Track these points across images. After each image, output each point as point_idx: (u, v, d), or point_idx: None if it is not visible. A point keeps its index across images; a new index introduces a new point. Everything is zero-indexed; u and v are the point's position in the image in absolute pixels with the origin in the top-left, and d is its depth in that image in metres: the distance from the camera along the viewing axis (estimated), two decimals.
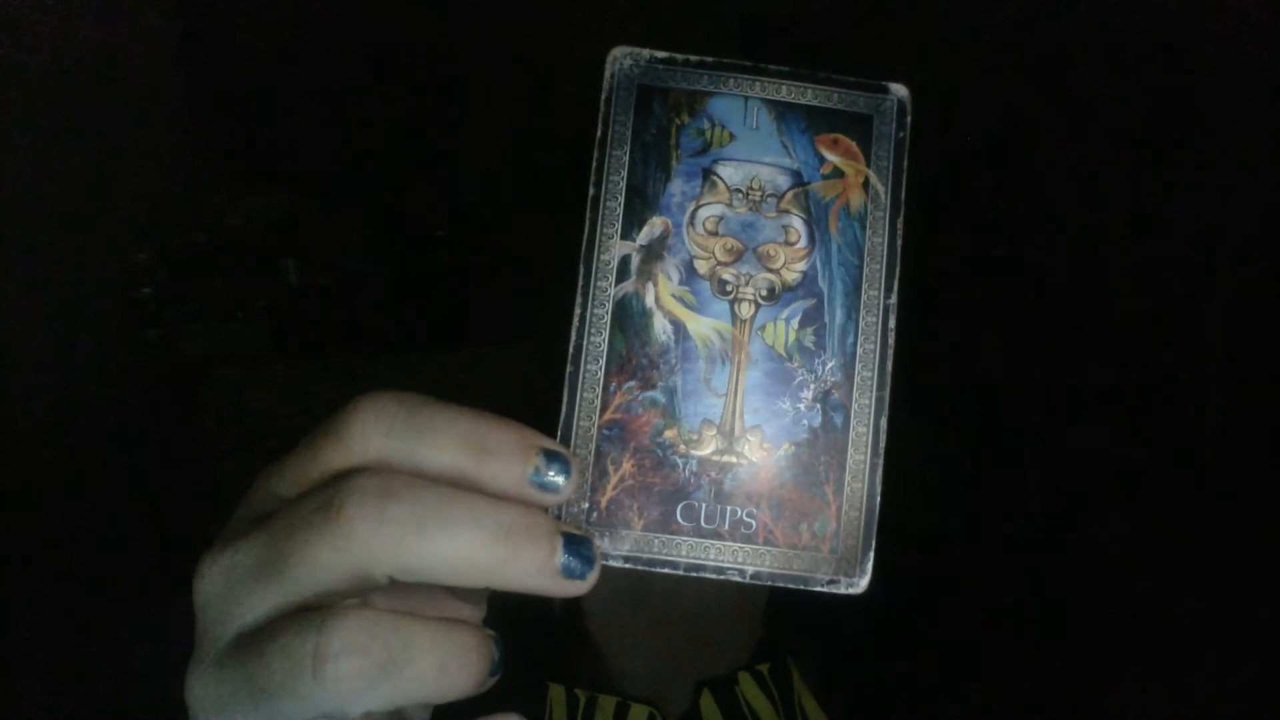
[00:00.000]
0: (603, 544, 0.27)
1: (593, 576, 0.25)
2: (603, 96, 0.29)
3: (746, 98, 0.30)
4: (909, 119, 0.31)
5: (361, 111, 1.08)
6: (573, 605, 0.50)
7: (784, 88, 0.30)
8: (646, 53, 0.29)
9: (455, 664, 0.23)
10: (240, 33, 1.06)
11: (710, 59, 0.30)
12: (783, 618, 0.51)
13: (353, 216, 1.17)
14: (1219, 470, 0.77)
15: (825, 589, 0.28)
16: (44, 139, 0.93)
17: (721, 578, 0.28)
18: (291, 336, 1.17)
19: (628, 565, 0.27)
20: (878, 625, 0.48)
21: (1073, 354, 0.82)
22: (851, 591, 0.28)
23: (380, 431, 0.24)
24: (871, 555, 0.28)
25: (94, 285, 1.02)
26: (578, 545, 0.25)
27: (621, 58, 0.29)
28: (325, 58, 1.05)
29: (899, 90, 0.31)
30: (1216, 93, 0.81)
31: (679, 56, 0.30)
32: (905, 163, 0.30)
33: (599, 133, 0.29)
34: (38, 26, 0.92)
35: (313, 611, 0.23)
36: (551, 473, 0.25)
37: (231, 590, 0.24)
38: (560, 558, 0.24)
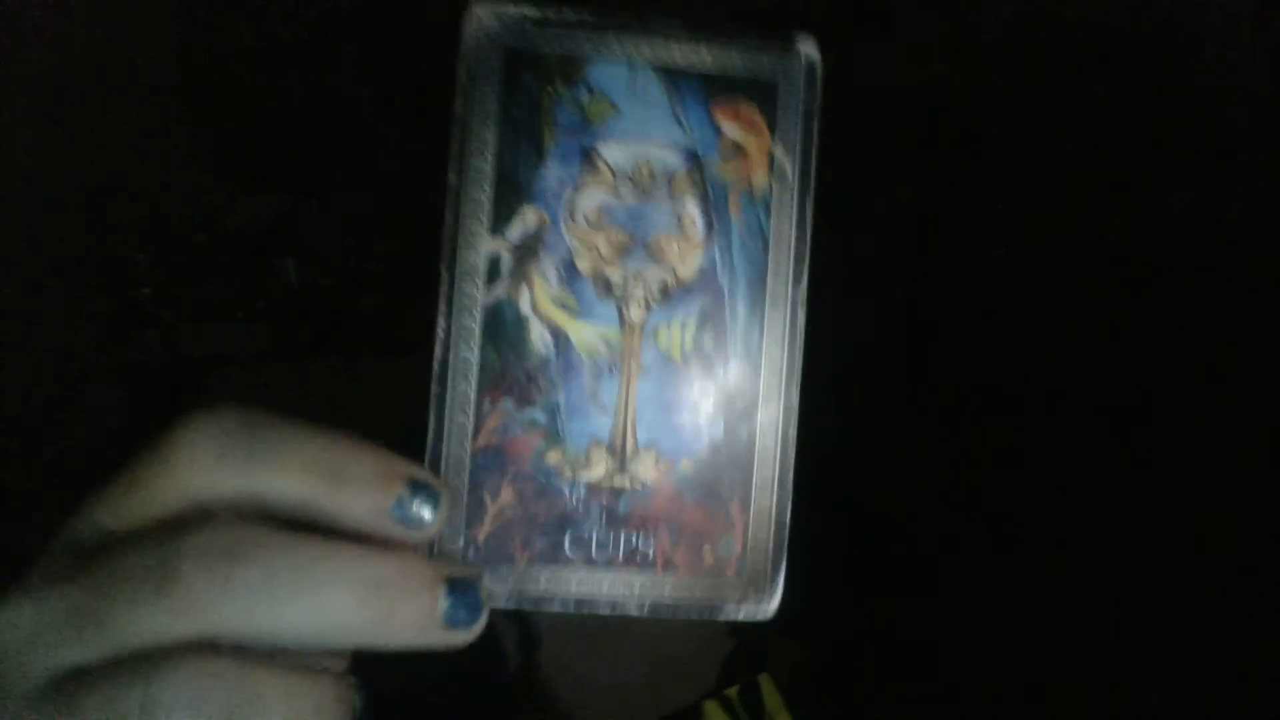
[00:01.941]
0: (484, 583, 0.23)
1: (480, 624, 0.22)
2: (460, 65, 0.25)
3: (632, 62, 0.25)
4: (819, 83, 0.26)
5: (362, 111, 1.08)
6: (525, 646, 0.46)
7: (675, 49, 0.25)
8: (512, 8, 0.25)
9: None
10: (240, 33, 1.06)
11: (589, 15, 0.25)
12: (750, 631, 0.49)
13: (353, 216, 1.17)
14: (1219, 470, 0.77)
15: (732, 618, 0.25)
16: (44, 139, 0.93)
17: (615, 613, 0.25)
18: (291, 336, 1.17)
19: (511, 605, 0.24)
20: (861, 629, 0.47)
21: (1073, 354, 0.82)
22: (760, 618, 0.25)
23: (211, 454, 0.21)
24: (781, 574, 0.25)
25: (94, 285, 1.02)
26: (462, 591, 0.22)
27: (482, 16, 0.25)
28: (325, 58, 1.05)
29: (808, 49, 0.26)
30: (1216, 93, 0.81)
31: (550, 12, 0.25)
32: (816, 135, 0.26)
33: (457, 109, 0.25)
34: (38, 26, 0.92)
35: (142, 658, 0.19)
36: (416, 505, 0.22)
37: (39, 638, 0.20)
38: (443, 606, 0.21)
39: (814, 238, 0.26)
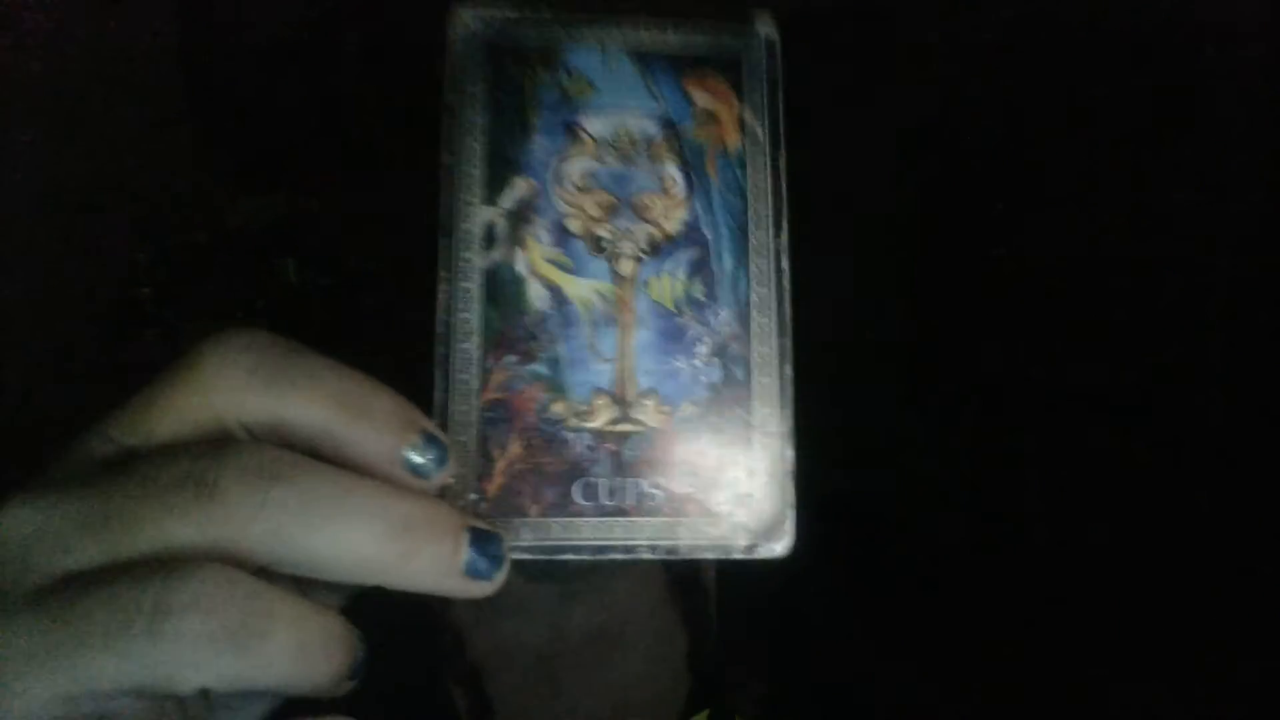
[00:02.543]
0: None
1: (500, 576, 0.22)
2: (447, 61, 0.27)
3: (605, 46, 0.28)
4: (779, 54, 0.29)
5: (362, 111, 1.08)
6: (476, 695, 0.44)
7: (644, 33, 0.28)
8: (491, 8, 0.28)
9: (316, 650, 0.20)
10: (240, 32, 1.06)
11: (562, 9, 0.28)
12: (714, 666, 0.47)
13: (353, 216, 1.17)
14: (1219, 470, 0.77)
15: (745, 555, 0.26)
16: (44, 139, 0.93)
17: (631, 558, 0.25)
18: (291, 336, 1.17)
19: (528, 556, 0.25)
20: (859, 629, 0.47)
21: (1073, 354, 0.82)
22: (773, 555, 0.26)
23: (240, 373, 0.21)
24: (792, 514, 0.26)
25: (94, 285, 1.02)
26: (485, 542, 0.22)
27: (464, 16, 0.27)
28: (325, 58, 1.05)
29: (765, 27, 0.29)
30: (1216, 93, 0.81)
31: (527, 9, 0.28)
32: (780, 98, 0.29)
33: (446, 97, 0.27)
34: (38, 26, 0.92)
35: (157, 562, 0.19)
36: (426, 455, 0.22)
37: (48, 537, 0.20)
38: (465, 555, 0.22)
39: (789, 191, 0.28)
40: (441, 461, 0.23)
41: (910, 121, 0.82)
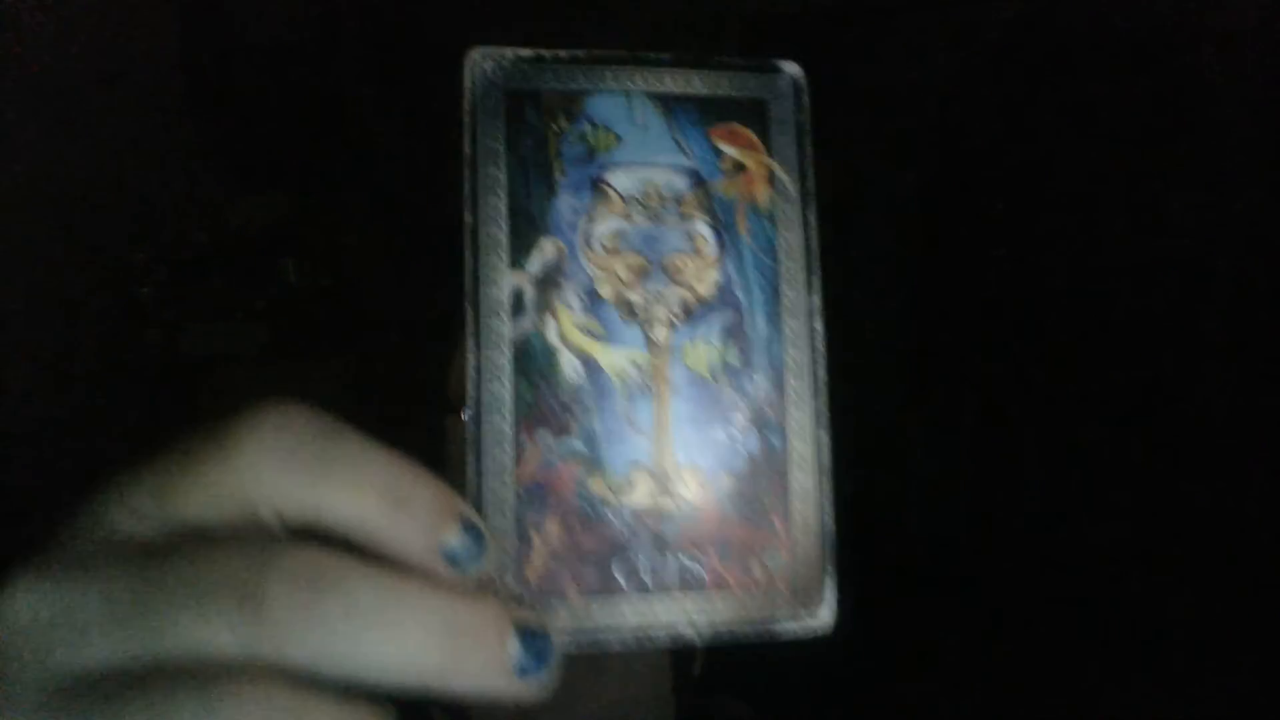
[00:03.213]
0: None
1: (549, 676, 0.21)
2: (464, 106, 0.25)
3: (629, 93, 0.26)
4: (806, 99, 0.27)
5: (362, 111, 1.08)
6: None
7: (668, 77, 0.27)
8: (509, 51, 0.26)
9: None
10: (240, 33, 1.06)
11: (582, 52, 0.26)
12: (703, 676, 0.47)
13: (353, 216, 1.17)
14: (1219, 470, 0.77)
15: (789, 634, 0.25)
16: (44, 139, 0.93)
17: (674, 645, 0.24)
18: (291, 336, 1.17)
19: (570, 649, 0.23)
20: (860, 631, 0.47)
21: (1073, 354, 0.82)
22: (816, 630, 0.25)
23: (278, 456, 0.20)
24: (831, 584, 0.25)
25: (94, 285, 1.02)
26: (534, 639, 0.20)
27: (481, 60, 0.26)
28: (325, 58, 1.05)
29: (792, 69, 0.27)
30: (1216, 93, 0.81)
31: (546, 53, 0.26)
32: (809, 148, 0.27)
33: (466, 150, 0.25)
34: (38, 26, 0.92)
35: (198, 672, 0.18)
36: (466, 548, 0.21)
37: (71, 623, 0.18)
38: (515, 655, 0.20)
39: (821, 246, 0.27)
40: (481, 551, 0.21)
41: (911, 121, 0.81)
